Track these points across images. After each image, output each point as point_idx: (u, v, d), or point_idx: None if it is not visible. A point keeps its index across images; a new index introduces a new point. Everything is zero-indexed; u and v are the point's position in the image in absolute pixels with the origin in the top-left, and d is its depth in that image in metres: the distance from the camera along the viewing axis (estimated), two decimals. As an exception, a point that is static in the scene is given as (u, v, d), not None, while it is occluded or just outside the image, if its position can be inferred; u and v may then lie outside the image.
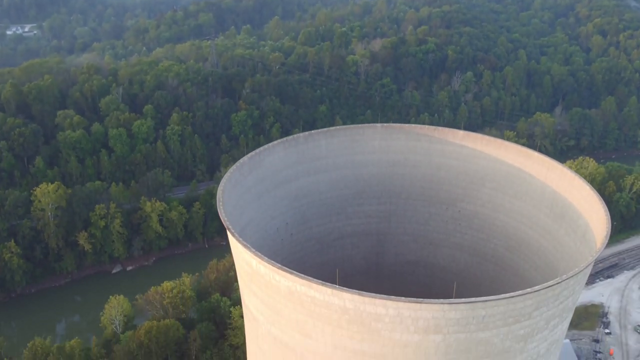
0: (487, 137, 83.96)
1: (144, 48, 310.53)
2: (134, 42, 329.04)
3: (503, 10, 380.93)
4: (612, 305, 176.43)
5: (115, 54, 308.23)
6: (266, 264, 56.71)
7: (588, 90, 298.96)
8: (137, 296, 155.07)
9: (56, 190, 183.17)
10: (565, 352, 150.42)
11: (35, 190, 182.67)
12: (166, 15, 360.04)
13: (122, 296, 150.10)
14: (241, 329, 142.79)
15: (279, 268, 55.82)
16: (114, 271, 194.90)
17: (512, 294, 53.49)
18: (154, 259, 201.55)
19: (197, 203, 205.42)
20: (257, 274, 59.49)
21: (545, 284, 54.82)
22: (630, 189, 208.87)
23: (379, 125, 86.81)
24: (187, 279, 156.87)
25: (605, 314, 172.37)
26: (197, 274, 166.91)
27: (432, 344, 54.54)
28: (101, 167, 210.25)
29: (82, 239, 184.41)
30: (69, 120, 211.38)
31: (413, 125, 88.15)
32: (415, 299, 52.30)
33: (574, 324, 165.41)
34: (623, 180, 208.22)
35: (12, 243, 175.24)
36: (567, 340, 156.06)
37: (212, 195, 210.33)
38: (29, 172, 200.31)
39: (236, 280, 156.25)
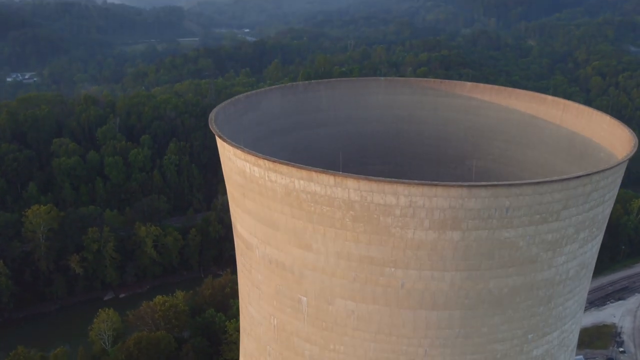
0: (497, 87, 79.33)
1: (143, 88, 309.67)
2: (133, 85, 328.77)
3: (502, 57, 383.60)
4: (625, 325, 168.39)
5: (115, 96, 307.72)
6: (262, 160, 51.09)
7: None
8: (128, 312, 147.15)
9: (48, 212, 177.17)
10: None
11: (27, 211, 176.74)
12: (165, 60, 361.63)
13: (111, 309, 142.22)
14: (237, 343, 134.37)
15: (274, 162, 50.21)
16: (105, 298, 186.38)
17: (538, 180, 47.74)
18: (147, 286, 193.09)
19: (194, 229, 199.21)
20: (251, 182, 53.63)
21: (574, 174, 49.10)
22: (638, 212, 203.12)
23: (382, 78, 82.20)
24: (180, 294, 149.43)
25: (618, 334, 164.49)
26: (191, 291, 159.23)
27: (450, 245, 48.17)
28: (96, 194, 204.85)
29: (74, 262, 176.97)
30: (65, 147, 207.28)
31: (418, 79, 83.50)
32: (429, 182, 46.43)
33: (587, 343, 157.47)
34: (630, 203, 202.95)
35: (1, 263, 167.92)
36: (581, 357, 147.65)
37: (209, 222, 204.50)
38: (21, 197, 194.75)
39: (232, 297, 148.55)
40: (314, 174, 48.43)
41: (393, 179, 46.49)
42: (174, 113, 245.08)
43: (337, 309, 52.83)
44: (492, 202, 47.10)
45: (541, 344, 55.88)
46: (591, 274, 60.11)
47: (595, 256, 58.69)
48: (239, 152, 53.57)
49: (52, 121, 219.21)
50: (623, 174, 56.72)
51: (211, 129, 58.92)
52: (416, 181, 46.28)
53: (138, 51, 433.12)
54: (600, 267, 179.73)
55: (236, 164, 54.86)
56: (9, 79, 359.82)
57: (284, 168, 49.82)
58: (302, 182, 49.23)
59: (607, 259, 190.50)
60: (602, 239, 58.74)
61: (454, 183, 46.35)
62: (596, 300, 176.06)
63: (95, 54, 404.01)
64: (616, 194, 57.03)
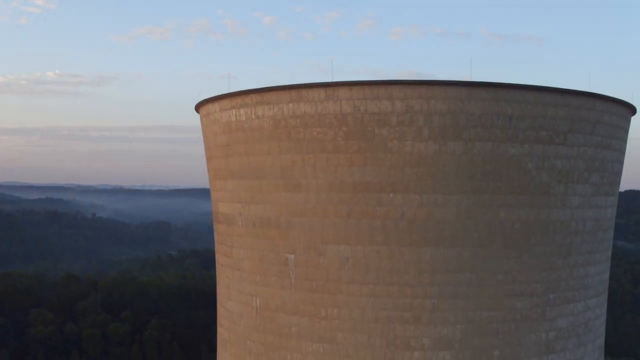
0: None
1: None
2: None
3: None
4: None
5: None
6: (249, 97, 48.57)
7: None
8: None
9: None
10: None
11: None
12: (151, 260, 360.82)
13: None
14: None
15: (262, 91, 47.72)
16: None
17: (540, 85, 45.12)
18: None
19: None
20: (236, 132, 50.26)
21: (577, 89, 46.68)
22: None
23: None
24: None
25: None
26: None
27: (452, 159, 43.99)
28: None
29: None
30: (42, 317, 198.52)
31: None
32: (426, 80, 43.64)
33: None
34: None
35: None
36: None
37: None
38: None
39: None
40: (303, 92, 45.76)
41: (387, 80, 43.79)
42: (157, 293, 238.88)
43: (329, 260, 46.60)
44: (494, 106, 44.12)
45: (565, 313, 48.80)
46: (609, 248, 54.52)
47: (611, 225, 53.72)
48: (225, 101, 51.21)
49: (31, 295, 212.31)
50: (627, 135, 54.04)
51: (195, 109, 57.16)
52: (412, 80, 43.57)
53: (124, 258, 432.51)
54: None
55: (221, 120, 51.94)
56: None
57: (272, 95, 47.27)
58: (291, 105, 46.30)
59: None
60: (616, 203, 54.32)
61: (452, 81, 43.64)
62: None
63: (81, 259, 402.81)
64: (623, 152, 53.80)
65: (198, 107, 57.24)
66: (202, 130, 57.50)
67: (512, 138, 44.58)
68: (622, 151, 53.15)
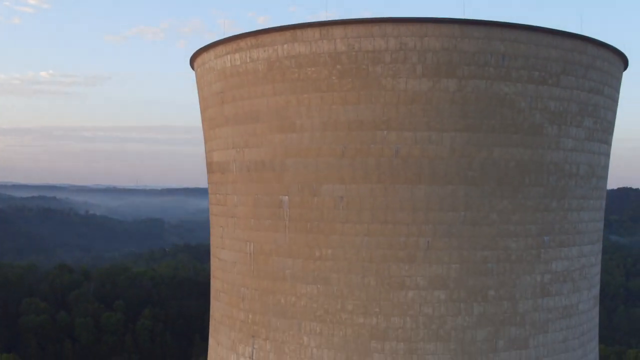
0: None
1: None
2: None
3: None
4: None
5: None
6: (244, 41, 48.60)
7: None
8: None
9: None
10: None
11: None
12: (144, 254, 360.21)
13: None
14: None
15: (256, 34, 47.70)
16: None
17: (533, 25, 45.34)
18: None
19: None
20: (231, 78, 50.28)
21: (570, 31, 46.93)
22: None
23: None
24: None
25: None
26: None
27: (446, 96, 44.13)
28: (64, 355, 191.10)
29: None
30: (34, 306, 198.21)
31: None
32: (419, 17, 43.81)
33: None
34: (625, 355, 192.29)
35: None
36: None
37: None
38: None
39: None
40: (298, 32, 45.85)
41: (381, 18, 43.92)
42: (150, 283, 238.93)
43: (323, 200, 46.60)
44: (487, 45, 44.31)
45: (560, 256, 48.90)
46: (603, 197, 54.74)
47: (605, 174, 54.00)
48: (220, 48, 51.25)
49: (23, 284, 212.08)
50: (620, 86, 54.41)
51: (190, 63, 57.30)
52: (406, 17, 43.72)
53: (117, 254, 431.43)
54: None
55: (216, 67, 51.98)
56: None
57: (267, 37, 47.34)
58: (285, 46, 46.37)
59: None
60: (609, 153, 54.56)
61: (445, 18, 43.81)
62: None
63: (74, 254, 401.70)
64: (616, 102, 54.11)
65: (193, 60, 57.23)
66: (197, 83, 57.51)
67: (505, 77, 44.77)
68: (614, 100, 53.41)
